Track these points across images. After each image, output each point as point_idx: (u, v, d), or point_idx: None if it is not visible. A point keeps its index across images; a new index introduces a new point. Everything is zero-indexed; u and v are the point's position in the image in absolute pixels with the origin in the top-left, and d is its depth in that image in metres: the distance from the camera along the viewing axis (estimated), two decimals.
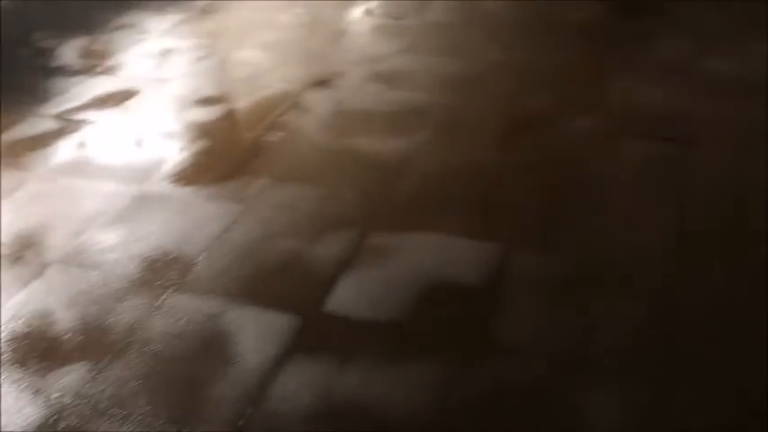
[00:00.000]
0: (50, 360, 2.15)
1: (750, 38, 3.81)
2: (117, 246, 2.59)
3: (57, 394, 2.04)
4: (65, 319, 2.29)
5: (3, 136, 3.37)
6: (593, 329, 2.14)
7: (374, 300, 2.29)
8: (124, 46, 4.22)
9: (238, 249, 2.54)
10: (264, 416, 1.94)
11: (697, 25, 4.02)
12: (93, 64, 4.02)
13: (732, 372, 1.99)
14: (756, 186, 2.71)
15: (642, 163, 2.89)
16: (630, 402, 1.92)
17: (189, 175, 2.99)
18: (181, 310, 2.29)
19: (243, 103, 3.54)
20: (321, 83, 3.66)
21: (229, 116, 3.46)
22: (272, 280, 2.40)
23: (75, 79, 3.86)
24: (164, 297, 2.35)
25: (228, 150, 3.18)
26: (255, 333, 2.19)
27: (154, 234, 2.64)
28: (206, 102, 3.56)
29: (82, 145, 3.27)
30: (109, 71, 3.94)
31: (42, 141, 3.30)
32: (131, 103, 3.59)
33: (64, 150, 3.23)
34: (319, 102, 3.49)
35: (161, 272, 2.46)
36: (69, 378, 2.09)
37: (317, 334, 2.18)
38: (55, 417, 1.98)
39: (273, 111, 3.42)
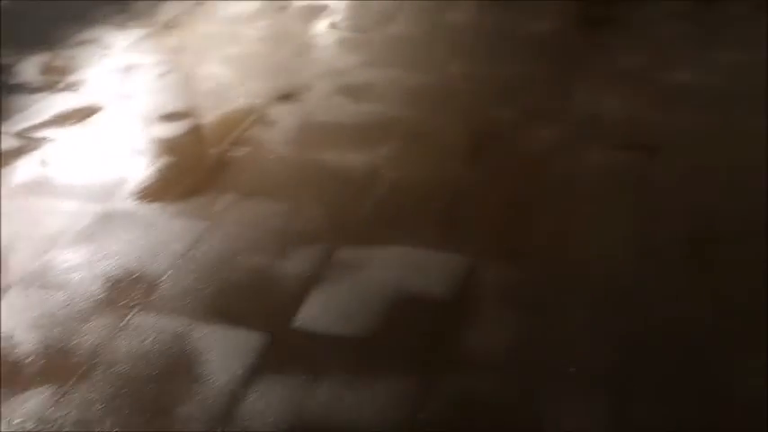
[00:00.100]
0: (12, 385, 2.10)
1: (707, 48, 3.91)
2: (80, 265, 2.55)
3: (19, 419, 1.99)
4: (27, 342, 2.25)
5: None
6: (561, 339, 2.16)
7: (343, 315, 2.28)
8: (86, 62, 4.16)
9: (204, 267, 2.51)
10: None
11: (655, 36, 4.12)
12: (55, 80, 3.96)
13: (700, 379, 2.03)
14: (714, 193, 2.79)
15: (605, 171, 2.94)
16: (599, 412, 1.94)
17: (154, 192, 2.96)
18: (147, 330, 2.26)
19: (208, 118, 3.52)
20: (286, 97, 3.65)
21: (194, 132, 3.43)
22: (240, 297, 2.38)
23: (36, 96, 3.79)
24: (129, 317, 2.32)
25: (194, 166, 3.15)
26: (223, 351, 2.17)
27: (118, 253, 2.60)
28: (170, 117, 3.53)
29: (44, 163, 3.21)
30: (71, 87, 3.88)
31: (2, 160, 3.24)
32: (94, 119, 3.54)
33: (25, 169, 3.17)
34: (285, 116, 3.48)
35: (126, 291, 2.42)
36: (32, 402, 2.04)
37: (285, 351, 2.16)
38: None
39: (239, 125, 3.41)
